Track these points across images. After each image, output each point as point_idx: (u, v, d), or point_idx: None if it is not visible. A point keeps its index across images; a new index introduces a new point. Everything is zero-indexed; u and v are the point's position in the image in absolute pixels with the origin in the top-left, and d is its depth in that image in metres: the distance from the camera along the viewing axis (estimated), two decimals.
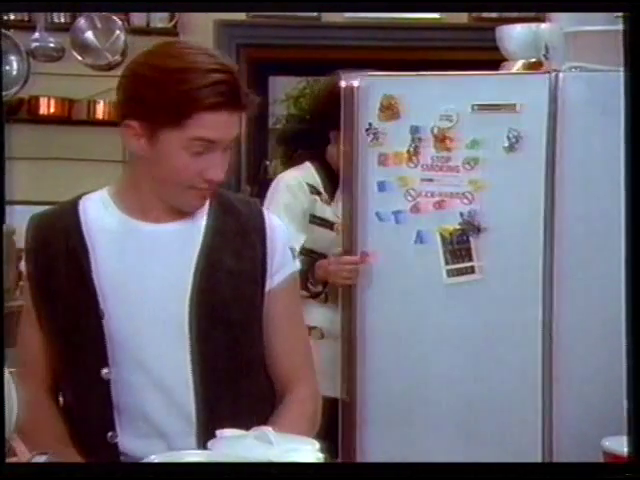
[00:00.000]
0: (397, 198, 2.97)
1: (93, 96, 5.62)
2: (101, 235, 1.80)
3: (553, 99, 2.87)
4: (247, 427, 1.57)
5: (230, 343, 1.80)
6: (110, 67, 5.08)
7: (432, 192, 2.95)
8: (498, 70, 3.15)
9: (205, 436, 1.64)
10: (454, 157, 2.93)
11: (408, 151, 2.95)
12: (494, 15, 4.93)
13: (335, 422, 2.94)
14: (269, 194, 3.18)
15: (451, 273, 2.94)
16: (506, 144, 2.88)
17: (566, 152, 2.87)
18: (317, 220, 3.14)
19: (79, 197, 1.86)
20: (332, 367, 2.96)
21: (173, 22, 5.56)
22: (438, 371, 2.98)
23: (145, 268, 1.78)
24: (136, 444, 1.76)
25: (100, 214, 1.82)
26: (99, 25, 5.12)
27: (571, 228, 2.87)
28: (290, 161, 3.45)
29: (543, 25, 3.07)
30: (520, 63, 3.11)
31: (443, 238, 2.94)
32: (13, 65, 4.81)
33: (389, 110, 2.96)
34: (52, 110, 5.65)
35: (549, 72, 2.90)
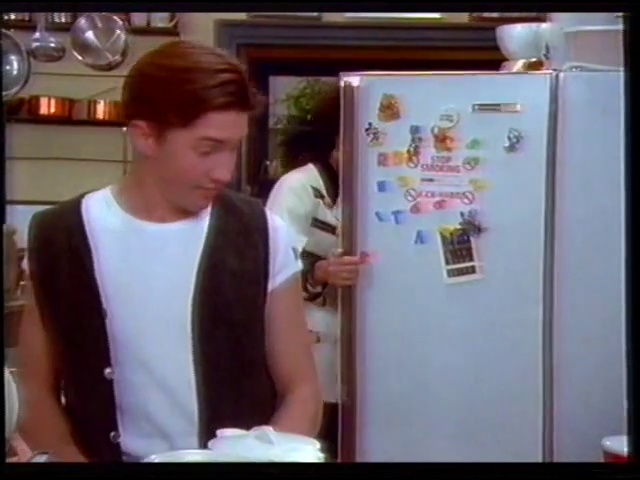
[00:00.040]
0: (397, 198, 2.97)
1: (93, 96, 5.63)
2: (104, 234, 1.80)
3: (554, 99, 2.87)
4: (249, 427, 1.57)
5: (232, 343, 1.80)
6: (110, 67, 5.08)
7: (432, 192, 2.95)
8: (499, 70, 3.15)
9: (207, 436, 1.63)
10: (454, 157, 2.93)
11: (408, 151, 2.95)
12: (495, 15, 4.94)
13: (332, 426, 2.91)
14: (272, 195, 3.17)
15: (452, 273, 2.94)
16: (507, 144, 2.89)
17: (567, 152, 2.87)
18: (319, 224, 3.14)
19: (82, 196, 1.86)
20: (328, 371, 2.94)
21: (174, 22, 5.57)
22: (438, 371, 2.98)
23: (148, 268, 1.78)
24: (138, 444, 1.76)
25: (103, 213, 1.82)
26: (100, 25, 5.12)
27: (571, 228, 2.87)
28: (292, 163, 3.43)
29: (544, 25, 3.07)
30: (521, 63, 3.11)
31: (443, 238, 2.94)
32: (14, 65, 4.81)
33: (389, 110, 2.96)
34: (52, 110, 5.66)
35: (550, 72, 2.91)
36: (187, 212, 1.81)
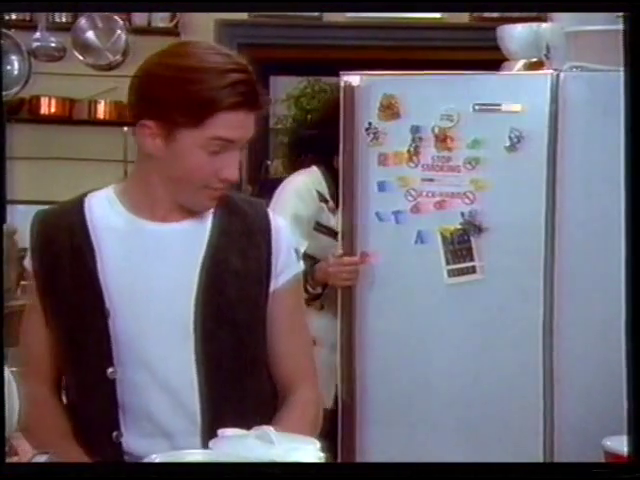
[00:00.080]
0: (397, 198, 2.97)
1: (94, 96, 5.63)
2: (107, 234, 1.79)
3: (554, 99, 2.87)
4: (251, 427, 1.57)
5: (235, 343, 1.80)
6: (111, 67, 5.09)
7: (433, 192, 2.95)
8: (499, 70, 3.15)
9: (210, 436, 1.63)
10: (455, 157, 2.93)
11: (408, 151, 2.95)
12: (495, 15, 4.93)
13: (328, 432, 2.89)
14: (275, 196, 3.16)
15: (452, 273, 2.94)
16: (507, 144, 2.89)
17: (567, 152, 2.87)
18: (322, 228, 3.13)
19: (84, 195, 1.86)
20: (323, 377, 2.92)
21: (174, 22, 5.57)
22: (439, 370, 2.98)
23: (151, 267, 1.77)
24: (141, 444, 1.76)
25: (106, 212, 1.82)
26: (100, 25, 5.13)
27: (572, 228, 2.87)
28: (295, 164, 3.42)
29: (544, 25, 3.07)
30: (521, 63, 3.11)
31: (444, 238, 2.94)
32: (14, 65, 4.81)
33: (389, 110, 2.96)
34: (53, 110, 5.66)
35: (550, 72, 2.91)
36: (190, 212, 1.81)
